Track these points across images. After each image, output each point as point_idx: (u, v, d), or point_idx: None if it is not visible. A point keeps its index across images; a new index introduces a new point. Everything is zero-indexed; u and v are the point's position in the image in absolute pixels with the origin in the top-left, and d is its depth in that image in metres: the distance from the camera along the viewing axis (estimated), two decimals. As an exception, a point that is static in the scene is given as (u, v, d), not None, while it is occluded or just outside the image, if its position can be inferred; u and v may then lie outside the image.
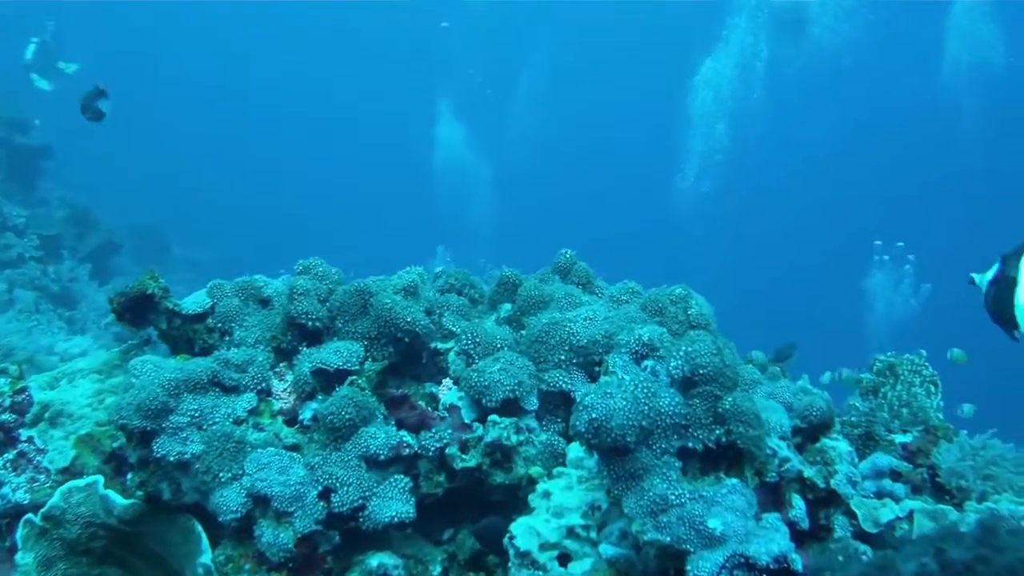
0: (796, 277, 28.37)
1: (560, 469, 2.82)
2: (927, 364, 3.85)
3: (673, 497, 2.34)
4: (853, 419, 3.54)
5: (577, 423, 2.37)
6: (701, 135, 19.81)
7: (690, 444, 2.43)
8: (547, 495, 2.69)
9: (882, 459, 3.27)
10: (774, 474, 2.60)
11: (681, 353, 2.48)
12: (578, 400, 2.42)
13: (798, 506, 2.64)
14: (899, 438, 3.47)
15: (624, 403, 2.35)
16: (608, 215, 32.42)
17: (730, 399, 2.46)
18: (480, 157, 24.66)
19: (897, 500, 3.09)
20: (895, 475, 3.26)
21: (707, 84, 19.24)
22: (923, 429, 3.49)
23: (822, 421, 3.09)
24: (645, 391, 2.39)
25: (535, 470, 2.93)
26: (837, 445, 3.11)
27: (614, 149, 35.07)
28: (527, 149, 28.88)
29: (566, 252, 3.89)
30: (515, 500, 3.09)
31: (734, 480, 2.43)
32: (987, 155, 25.60)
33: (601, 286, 3.83)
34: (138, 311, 3.67)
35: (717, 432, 2.45)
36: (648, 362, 2.56)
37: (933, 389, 3.78)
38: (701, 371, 2.46)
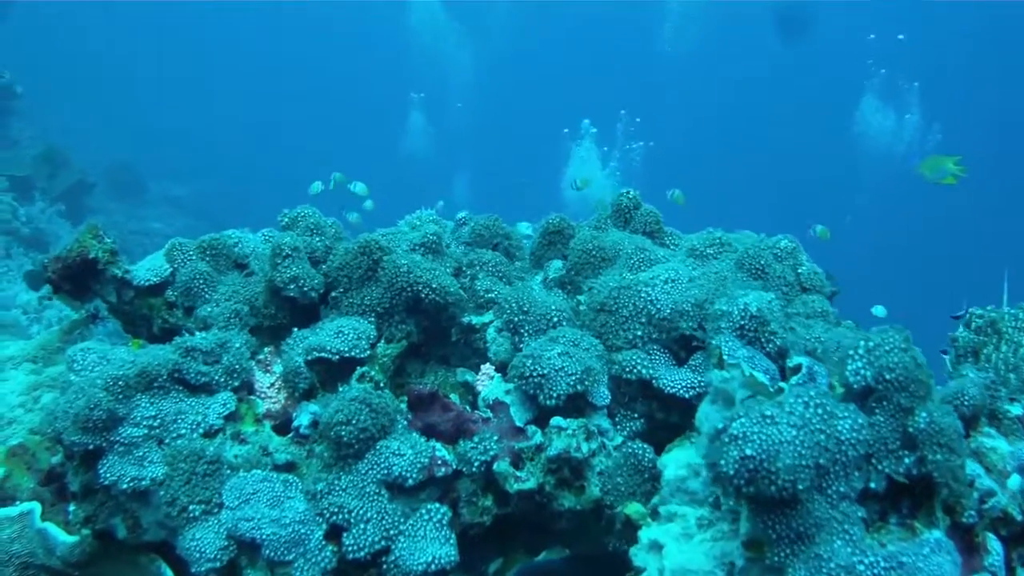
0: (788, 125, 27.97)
1: (671, 509, 1.96)
2: None
3: (862, 567, 1.57)
4: None
5: (723, 463, 1.57)
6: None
7: (872, 484, 1.66)
8: (657, 548, 1.85)
9: (1025, 448, 2.52)
10: (972, 513, 1.84)
11: (862, 351, 1.69)
12: (720, 426, 1.61)
13: (995, 551, 1.89)
14: (1011, 409, 2.74)
15: (793, 432, 1.55)
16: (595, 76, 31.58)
17: (924, 414, 1.69)
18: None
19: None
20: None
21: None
22: None
23: (975, 413, 2.33)
24: (819, 412, 1.59)
25: (633, 508, 2.09)
26: (997, 445, 2.34)
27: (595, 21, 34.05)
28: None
29: (628, 192, 3.02)
30: (584, 529, 2.32)
31: (936, 534, 1.67)
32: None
33: (674, 234, 2.99)
34: (80, 280, 2.85)
35: (907, 461, 1.68)
36: (800, 359, 1.75)
37: (1041, 349, 3.05)
38: (887, 376, 1.68)
